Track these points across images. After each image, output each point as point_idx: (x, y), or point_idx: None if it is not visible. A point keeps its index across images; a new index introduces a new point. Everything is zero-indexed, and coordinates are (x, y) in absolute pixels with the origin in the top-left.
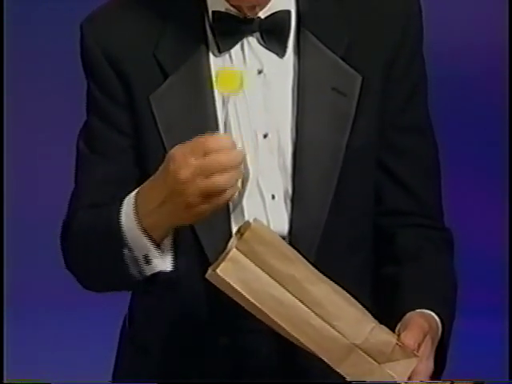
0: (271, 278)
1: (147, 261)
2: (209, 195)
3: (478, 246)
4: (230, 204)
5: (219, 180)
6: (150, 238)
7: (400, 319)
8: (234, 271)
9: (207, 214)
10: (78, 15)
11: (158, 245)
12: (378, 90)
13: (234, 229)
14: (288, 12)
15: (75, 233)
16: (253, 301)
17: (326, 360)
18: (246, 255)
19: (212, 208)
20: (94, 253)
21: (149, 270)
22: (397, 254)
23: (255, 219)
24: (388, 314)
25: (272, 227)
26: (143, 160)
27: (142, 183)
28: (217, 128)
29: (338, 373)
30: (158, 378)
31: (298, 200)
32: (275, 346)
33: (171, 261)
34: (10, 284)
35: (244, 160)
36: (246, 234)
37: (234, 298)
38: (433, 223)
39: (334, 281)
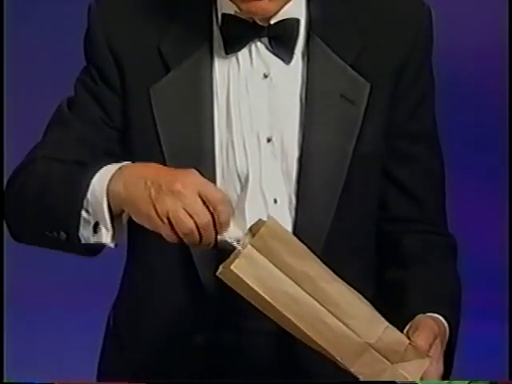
0: (285, 276)
1: (95, 229)
2: (171, 222)
3: (478, 249)
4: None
5: (186, 222)
6: (110, 208)
7: (406, 322)
8: (248, 268)
9: (159, 232)
10: (79, 14)
11: (112, 218)
12: (386, 98)
13: (226, 234)
14: (297, 20)
15: (32, 176)
16: (267, 298)
17: (338, 359)
18: (260, 252)
19: (164, 232)
20: (47, 202)
21: (94, 239)
22: (403, 257)
23: (269, 216)
24: (393, 316)
25: None
26: (128, 146)
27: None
28: (212, 129)
29: (329, 375)
30: (136, 376)
31: (302, 205)
32: (261, 346)
33: (114, 238)
34: (10, 284)
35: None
36: (262, 230)
37: (245, 296)
38: (437, 229)
39: None
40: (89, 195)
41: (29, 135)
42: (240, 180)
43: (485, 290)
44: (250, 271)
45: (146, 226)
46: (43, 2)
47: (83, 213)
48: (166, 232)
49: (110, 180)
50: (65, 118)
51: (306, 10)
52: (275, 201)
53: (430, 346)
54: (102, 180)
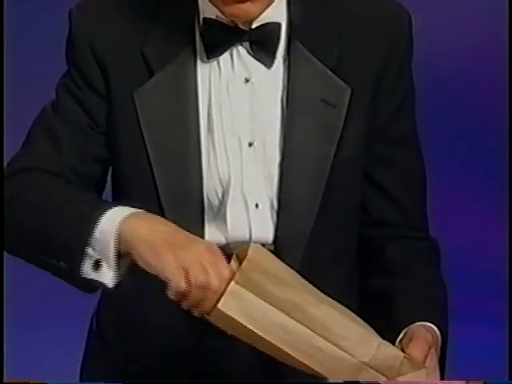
0: (273, 306)
1: (97, 266)
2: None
3: (478, 254)
4: (214, 213)
5: (202, 274)
6: (118, 249)
7: (397, 331)
8: (234, 304)
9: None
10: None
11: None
12: (366, 102)
13: (207, 236)
14: (278, 24)
15: (29, 193)
16: (257, 332)
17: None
18: (244, 287)
19: (175, 281)
20: (49, 229)
21: (93, 276)
22: (387, 265)
23: (252, 245)
24: (381, 325)
25: (255, 236)
26: (115, 152)
27: (106, 173)
28: (197, 132)
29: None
30: (121, 378)
31: (283, 209)
32: (241, 350)
33: (115, 279)
34: (10, 284)
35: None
36: (244, 265)
37: (234, 333)
38: (420, 234)
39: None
40: (97, 233)
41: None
42: (222, 184)
43: (485, 292)
44: (237, 307)
45: (154, 270)
46: (43, 2)
47: (89, 250)
48: (177, 282)
49: (123, 221)
50: (51, 125)
51: (286, 14)
52: (257, 205)
53: (426, 357)
54: (113, 218)
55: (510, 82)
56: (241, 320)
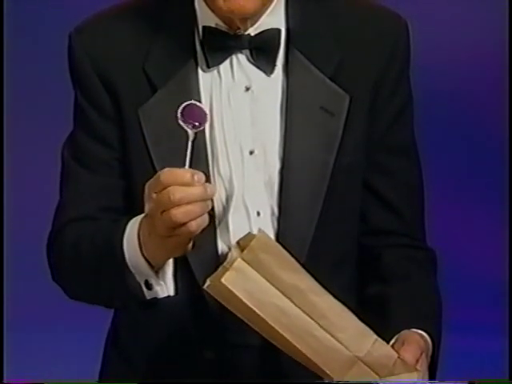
0: (275, 288)
1: (148, 286)
2: (173, 228)
3: (478, 263)
4: (216, 221)
5: (175, 214)
6: (151, 265)
7: (389, 337)
8: (238, 281)
9: (184, 245)
10: (78, 18)
11: (156, 272)
12: (365, 110)
13: (220, 245)
14: (278, 30)
15: (66, 246)
16: (257, 311)
17: (328, 372)
18: (250, 265)
19: (182, 240)
20: (90, 269)
21: (149, 295)
22: (384, 273)
23: (260, 230)
24: (375, 331)
25: None
26: (129, 172)
27: (128, 194)
28: (204, 143)
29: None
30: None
31: (284, 217)
32: (261, 361)
33: (173, 287)
34: (11, 285)
35: (207, 192)
36: (252, 243)
37: (233, 309)
38: (417, 243)
39: None
40: (130, 264)
41: (29, 138)
42: (226, 193)
43: (485, 300)
44: (240, 284)
45: (167, 247)
46: (43, 3)
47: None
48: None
49: (138, 239)
50: (73, 173)
51: (285, 21)
52: (258, 213)
53: (417, 361)
54: (133, 244)
55: (510, 84)
56: (241, 296)
